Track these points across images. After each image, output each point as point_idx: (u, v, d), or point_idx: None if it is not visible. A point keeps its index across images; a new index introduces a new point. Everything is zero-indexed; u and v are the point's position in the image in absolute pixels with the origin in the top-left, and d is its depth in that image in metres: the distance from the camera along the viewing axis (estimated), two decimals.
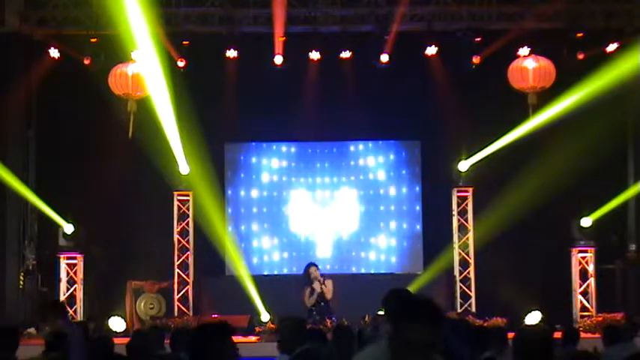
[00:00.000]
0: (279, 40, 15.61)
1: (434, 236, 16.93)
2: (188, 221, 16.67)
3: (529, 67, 15.30)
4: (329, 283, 14.26)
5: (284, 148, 17.36)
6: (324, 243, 17.07)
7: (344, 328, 8.21)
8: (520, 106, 15.44)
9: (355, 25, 15.99)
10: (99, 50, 15.32)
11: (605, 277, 16.15)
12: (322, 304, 14.19)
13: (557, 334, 9.36)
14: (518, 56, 15.43)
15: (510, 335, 6.64)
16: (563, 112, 15.27)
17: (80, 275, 16.12)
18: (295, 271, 16.56)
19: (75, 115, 16.07)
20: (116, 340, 7.50)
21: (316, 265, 14.46)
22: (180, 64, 15.58)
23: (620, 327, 9.73)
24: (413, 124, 16.88)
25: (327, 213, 17.13)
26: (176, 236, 16.61)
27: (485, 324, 13.83)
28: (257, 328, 14.75)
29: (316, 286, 14.12)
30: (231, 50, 15.62)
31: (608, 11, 15.75)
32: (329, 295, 14.20)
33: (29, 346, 12.44)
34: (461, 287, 16.46)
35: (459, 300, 16.36)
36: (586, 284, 16.05)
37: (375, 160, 17.31)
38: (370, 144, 17.39)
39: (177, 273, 16.52)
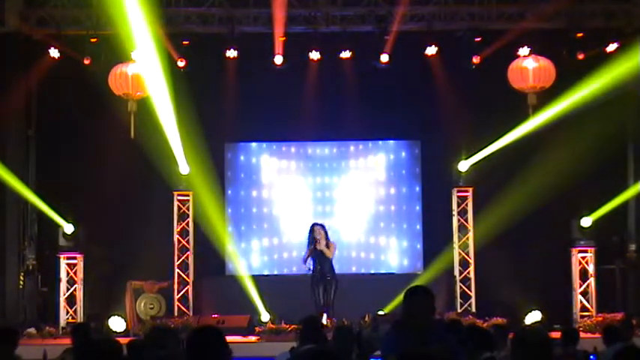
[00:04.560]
0: (279, 40, 15.61)
1: (434, 236, 16.94)
2: (188, 221, 16.67)
3: (529, 67, 15.30)
4: (332, 245, 14.39)
5: (284, 148, 17.36)
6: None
7: (344, 328, 8.22)
8: (520, 106, 15.45)
9: (355, 25, 15.98)
10: (99, 50, 15.32)
11: (605, 277, 16.15)
12: (319, 267, 14.29)
13: (557, 334, 9.38)
14: (518, 56, 15.43)
15: (510, 335, 6.64)
16: (563, 112, 15.27)
17: (80, 275, 16.11)
18: (295, 271, 16.55)
19: (75, 115, 16.06)
20: None
21: (322, 226, 14.54)
22: (181, 64, 15.59)
23: (619, 327, 9.74)
24: (413, 124, 16.88)
25: (327, 213, 17.12)
26: (176, 236, 16.61)
27: (485, 324, 13.83)
28: (257, 328, 14.75)
29: (318, 245, 14.26)
30: (231, 50, 15.62)
31: (608, 11, 15.75)
32: (330, 255, 14.31)
33: (29, 346, 12.51)
34: (461, 287, 16.45)
35: (459, 300, 16.36)
36: (586, 284, 16.05)
37: (375, 160, 17.31)
38: (370, 144, 17.39)
39: (177, 273, 16.53)
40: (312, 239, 14.38)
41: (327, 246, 14.37)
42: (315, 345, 6.44)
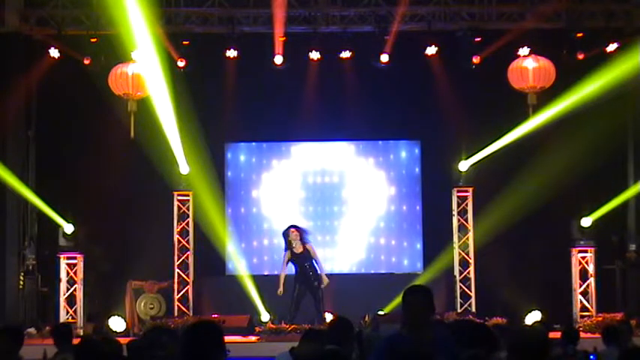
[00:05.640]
0: (279, 40, 15.60)
1: (434, 236, 16.93)
2: (188, 221, 16.66)
3: (529, 67, 15.32)
4: (311, 248, 14.39)
5: (284, 148, 17.36)
6: (324, 243, 17.04)
7: None
8: (520, 106, 15.45)
9: (355, 25, 15.99)
10: (99, 50, 15.32)
11: (605, 277, 16.15)
12: (301, 270, 14.30)
13: (557, 334, 9.38)
14: (518, 56, 15.44)
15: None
16: (563, 112, 15.27)
17: (80, 275, 16.11)
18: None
19: (75, 115, 16.09)
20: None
21: (297, 228, 14.49)
22: (181, 64, 15.57)
23: (618, 327, 9.73)
24: (413, 124, 16.88)
25: (326, 212, 17.12)
26: (176, 236, 16.60)
27: (485, 324, 13.83)
28: (257, 328, 14.74)
29: (296, 249, 14.27)
30: (231, 50, 15.62)
31: (608, 11, 15.74)
32: (314, 255, 14.37)
33: (29, 346, 12.49)
34: (461, 287, 16.45)
35: (459, 300, 16.36)
36: (586, 284, 16.04)
37: (374, 160, 17.30)
38: (370, 144, 17.38)
39: (177, 273, 16.52)
40: (288, 243, 14.35)
41: (305, 249, 14.34)
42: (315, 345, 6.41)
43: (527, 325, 14.13)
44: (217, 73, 16.06)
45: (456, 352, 5.75)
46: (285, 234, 14.46)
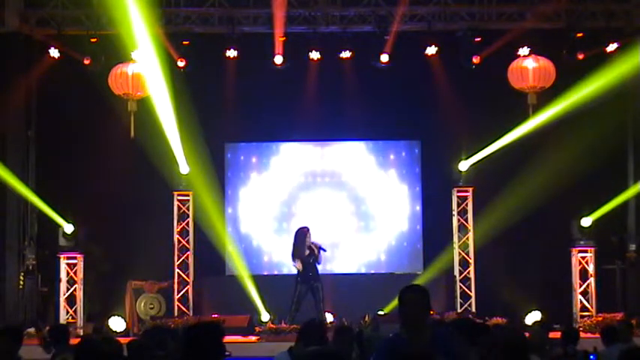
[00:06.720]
0: (279, 40, 15.61)
1: (434, 236, 16.93)
2: (188, 221, 16.67)
3: (529, 67, 15.33)
4: (315, 246, 14.38)
5: (284, 148, 17.36)
6: (324, 243, 17.03)
7: (344, 328, 8.22)
8: (520, 106, 15.47)
9: (355, 25, 15.99)
10: (99, 50, 15.32)
11: (605, 277, 16.16)
12: (304, 271, 14.28)
13: (557, 334, 9.39)
14: (518, 56, 15.45)
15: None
16: (563, 112, 15.28)
17: (80, 275, 16.11)
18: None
19: (75, 115, 16.08)
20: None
21: (309, 230, 14.53)
22: (181, 64, 15.58)
23: (617, 327, 9.75)
24: (413, 124, 16.89)
25: (327, 212, 17.11)
26: (176, 236, 16.61)
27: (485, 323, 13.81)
28: (257, 328, 14.75)
29: (314, 251, 14.31)
30: (231, 50, 15.63)
31: (608, 11, 15.74)
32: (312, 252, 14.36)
33: (29, 346, 12.50)
34: (461, 287, 16.45)
35: (459, 300, 16.36)
36: (586, 284, 16.05)
37: (375, 160, 17.30)
38: (370, 144, 17.38)
39: (177, 273, 16.53)
40: (307, 243, 14.33)
41: (311, 250, 14.34)
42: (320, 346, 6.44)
43: (501, 327, 14.03)
44: (217, 73, 16.06)
45: (456, 350, 5.75)
46: (302, 233, 14.43)
